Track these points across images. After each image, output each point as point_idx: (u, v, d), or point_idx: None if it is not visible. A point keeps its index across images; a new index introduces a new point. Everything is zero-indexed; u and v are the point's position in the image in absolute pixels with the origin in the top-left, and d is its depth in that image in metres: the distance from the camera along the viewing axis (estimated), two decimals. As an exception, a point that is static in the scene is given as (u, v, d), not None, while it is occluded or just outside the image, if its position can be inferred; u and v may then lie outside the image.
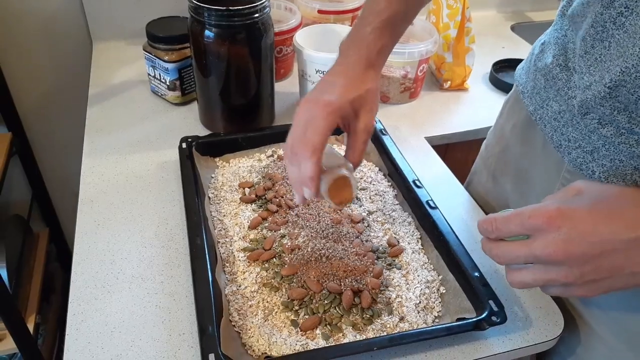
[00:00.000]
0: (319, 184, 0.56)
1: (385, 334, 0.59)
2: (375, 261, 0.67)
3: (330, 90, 0.57)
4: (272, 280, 0.64)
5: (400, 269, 0.67)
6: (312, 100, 0.57)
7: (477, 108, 1.05)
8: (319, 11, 1.06)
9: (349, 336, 0.59)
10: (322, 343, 0.58)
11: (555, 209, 0.43)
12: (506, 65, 1.17)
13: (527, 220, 0.43)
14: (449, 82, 1.08)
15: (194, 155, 0.79)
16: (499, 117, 0.78)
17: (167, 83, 0.95)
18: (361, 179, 0.81)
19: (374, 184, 0.80)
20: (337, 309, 0.61)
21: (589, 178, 0.58)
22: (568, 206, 0.43)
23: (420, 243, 0.71)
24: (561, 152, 0.60)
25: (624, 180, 0.54)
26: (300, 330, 0.60)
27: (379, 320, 0.61)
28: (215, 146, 0.83)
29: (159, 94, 1.00)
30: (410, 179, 0.76)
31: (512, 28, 1.41)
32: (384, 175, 0.82)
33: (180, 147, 0.80)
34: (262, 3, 0.79)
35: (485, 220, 0.47)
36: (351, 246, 0.68)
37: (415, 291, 0.64)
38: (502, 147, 0.75)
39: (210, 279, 0.60)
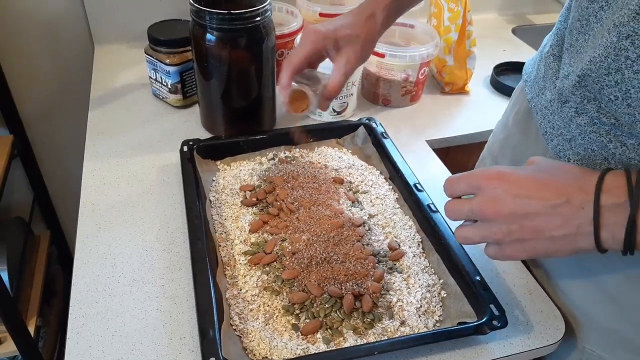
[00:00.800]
0: (286, 92, 0.70)
1: (386, 338, 0.59)
2: (376, 265, 0.67)
3: (327, 24, 0.70)
4: (273, 284, 0.64)
5: (401, 273, 0.67)
6: (308, 28, 0.70)
7: (478, 111, 1.05)
8: (320, 14, 1.06)
9: (350, 340, 0.59)
10: (322, 347, 0.58)
11: (495, 172, 0.48)
12: (507, 69, 1.17)
13: (473, 179, 0.49)
14: (450, 86, 1.08)
15: (195, 158, 0.79)
16: (507, 105, 0.81)
17: (169, 86, 0.95)
18: (362, 182, 0.81)
19: (374, 188, 0.80)
20: (338, 313, 0.61)
21: None
22: (508, 170, 0.48)
23: (421, 247, 0.71)
24: (546, 139, 0.63)
25: (594, 169, 0.55)
26: (301, 334, 0.60)
27: (379, 325, 0.61)
28: (217, 149, 0.83)
29: (161, 97, 1.00)
30: (411, 183, 0.76)
31: (514, 31, 1.41)
32: (384, 178, 0.82)
33: (181, 150, 0.80)
34: (264, 6, 0.79)
35: (446, 179, 0.53)
36: (352, 250, 0.68)
37: (416, 295, 0.64)
38: (506, 134, 0.77)
39: (211, 283, 0.60)
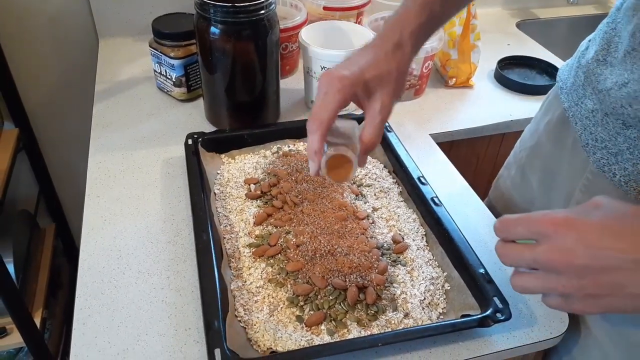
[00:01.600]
0: (320, 158, 0.56)
1: (389, 330, 0.60)
2: (380, 258, 0.67)
3: (350, 65, 0.56)
4: (278, 276, 0.65)
5: (405, 266, 0.67)
6: (330, 74, 0.56)
7: (482, 105, 1.05)
8: (325, 8, 1.06)
9: (354, 332, 0.59)
10: (327, 339, 0.59)
11: (563, 217, 0.42)
12: (511, 63, 1.17)
13: (535, 224, 0.42)
14: (454, 79, 1.08)
15: (199, 151, 0.79)
16: (537, 112, 0.78)
17: (173, 79, 0.96)
18: (366, 175, 0.81)
19: (378, 181, 0.80)
20: (342, 305, 0.62)
21: (609, 180, 0.57)
22: (577, 216, 0.42)
23: (425, 240, 0.72)
24: (587, 152, 0.60)
25: None
26: (305, 326, 0.60)
27: (383, 317, 0.61)
28: (221, 142, 0.84)
29: (165, 90, 1.00)
30: (415, 176, 0.76)
31: (518, 25, 1.40)
32: (388, 172, 0.82)
33: (186, 144, 0.80)
34: (268, 0, 0.79)
35: (498, 220, 0.46)
36: (356, 243, 0.68)
37: (420, 288, 0.64)
38: (535, 142, 0.75)
39: (216, 274, 0.60)
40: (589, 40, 0.65)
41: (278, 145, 0.85)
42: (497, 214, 0.79)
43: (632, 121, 0.51)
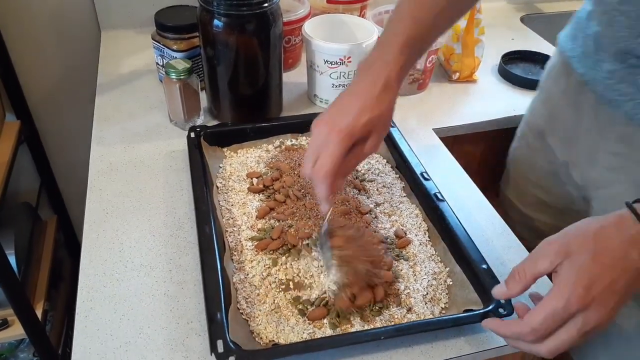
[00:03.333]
0: (331, 202, 0.61)
1: (392, 324, 0.60)
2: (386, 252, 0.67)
3: (344, 113, 0.58)
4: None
5: (407, 261, 0.67)
6: (326, 123, 0.58)
7: (486, 100, 1.05)
8: (328, 1, 1.05)
9: (357, 326, 0.59)
10: (329, 332, 0.59)
11: (583, 290, 0.46)
12: (516, 57, 1.16)
13: (568, 311, 0.47)
14: (458, 74, 1.08)
15: (202, 144, 0.79)
16: (543, 82, 0.82)
17: (176, 72, 0.95)
18: (369, 170, 0.81)
19: (381, 176, 0.80)
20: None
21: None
22: (584, 279, 0.46)
23: (427, 235, 0.71)
24: (612, 108, 0.65)
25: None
26: (308, 319, 0.60)
27: (387, 312, 0.61)
28: (223, 136, 0.83)
29: (167, 83, 0.99)
30: (418, 171, 0.76)
31: (522, 19, 1.40)
32: (391, 167, 0.82)
33: (188, 137, 0.80)
34: (272, -8, 0.78)
35: (530, 331, 0.49)
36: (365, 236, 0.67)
37: (423, 282, 0.64)
38: (550, 110, 0.79)
39: (218, 267, 0.60)
40: (589, 12, 0.68)
41: (281, 139, 0.85)
42: (515, 185, 0.86)
43: None
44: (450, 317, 0.59)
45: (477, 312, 0.58)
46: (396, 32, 0.61)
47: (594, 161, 0.72)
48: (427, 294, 0.63)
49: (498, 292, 0.54)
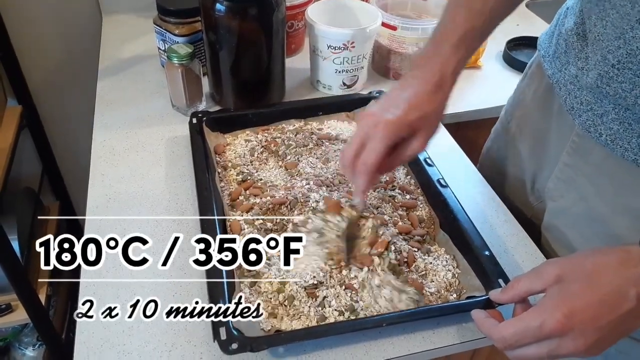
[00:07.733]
0: (366, 198, 0.61)
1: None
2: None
3: (394, 107, 0.56)
4: (283, 257, 0.64)
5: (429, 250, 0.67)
6: (374, 117, 0.57)
7: (490, 86, 1.04)
8: (331, -14, 1.04)
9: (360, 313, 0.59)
10: (333, 316, 0.58)
11: (562, 316, 0.45)
12: (520, 43, 1.15)
13: (542, 332, 0.45)
14: (462, 60, 1.06)
15: (204, 130, 0.79)
16: (520, 82, 0.79)
17: (177, 57, 0.94)
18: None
19: (384, 162, 0.80)
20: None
21: (595, 141, 0.59)
22: (568, 306, 0.45)
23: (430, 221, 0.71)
24: (573, 115, 0.61)
25: (629, 143, 0.55)
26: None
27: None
28: (225, 121, 0.83)
29: (169, 68, 0.99)
30: (421, 157, 0.75)
31: (527, 5, 1.38)
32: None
33: (190, 122, 0.80)
34: (274, -24, 0.77)
35: (500, 338, 0.49)
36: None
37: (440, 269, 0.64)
38: (522, 112, 0.76)
39: (221, 254, 0.60)
40: (567, 8, 0.65)
41: (282, 125, 0.85)
42: (488, 181, 0.81)
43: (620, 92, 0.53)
44: (452, 303, 0.59)
45: (480, 298, 0.58)
46: (452, 25, 0.58)
47: (552, 171, 0.69)
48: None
49: (492, 294, 0.56)
